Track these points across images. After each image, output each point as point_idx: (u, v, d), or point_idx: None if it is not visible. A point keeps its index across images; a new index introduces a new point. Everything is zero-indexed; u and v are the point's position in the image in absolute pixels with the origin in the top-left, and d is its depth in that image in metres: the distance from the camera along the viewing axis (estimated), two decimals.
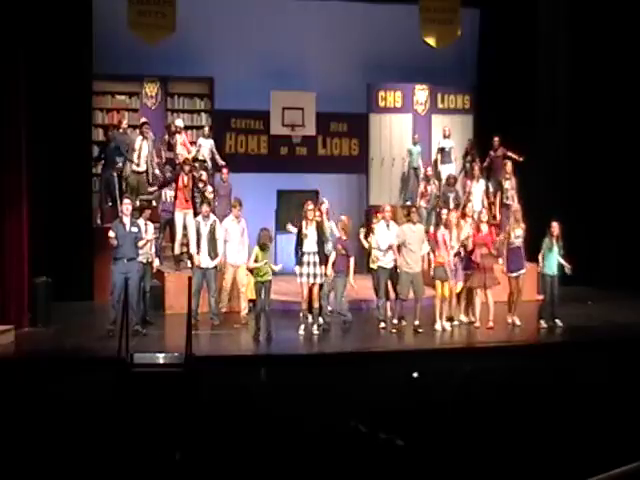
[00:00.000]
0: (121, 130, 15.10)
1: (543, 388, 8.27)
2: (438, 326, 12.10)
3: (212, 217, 12.48)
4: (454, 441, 6.62)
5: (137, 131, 15.16)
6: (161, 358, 9.67)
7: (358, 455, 6.29)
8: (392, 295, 12.24)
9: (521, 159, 15.04)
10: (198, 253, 12.29)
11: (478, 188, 14.94)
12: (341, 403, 7.63)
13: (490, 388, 8.26)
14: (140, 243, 11.61)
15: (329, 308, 12.42)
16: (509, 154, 15.06)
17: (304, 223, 11.89)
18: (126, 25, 14.18)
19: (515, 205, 12.88)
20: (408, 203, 15.99)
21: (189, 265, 13.97)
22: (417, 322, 11.97)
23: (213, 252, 12.28)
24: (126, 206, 11.65)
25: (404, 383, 8.76)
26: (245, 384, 8.48)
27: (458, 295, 12.43)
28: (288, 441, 6.56)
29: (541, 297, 13.79)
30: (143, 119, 15.33)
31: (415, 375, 8.88)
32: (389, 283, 12.23)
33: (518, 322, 12.42)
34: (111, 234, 11.38)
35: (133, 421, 7.45)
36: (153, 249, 12.33)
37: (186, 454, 6.52)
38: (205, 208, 12.48)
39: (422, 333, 11.86)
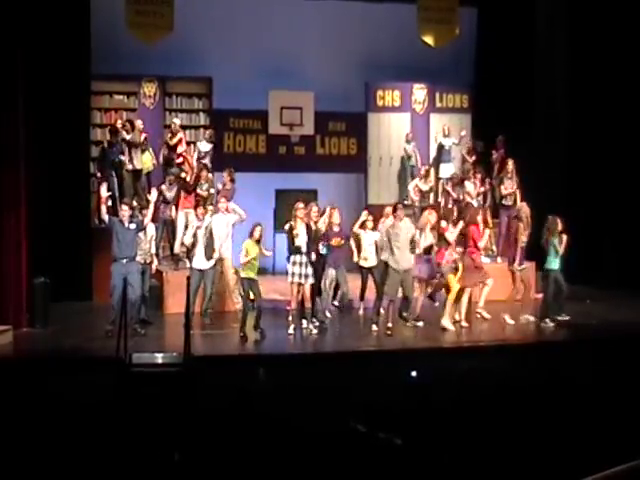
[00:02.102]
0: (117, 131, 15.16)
1: (541, 387, 8.28)
2: (448, 324, 12.01)
3: (208, 218, 12.44)
4: (453, 440, 6.62)
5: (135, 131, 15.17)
6: (160, 358, 9.67)
7: (357, 455, 6.29)
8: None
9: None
10: (192, 254, 12.28)
11: (471, 188, 14.97)
12: (340, 403, 7.63)
13: (488, 387, 8.27)
14: (146, 220, 11.68)
15: (335, 303, 12.52)
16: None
17: (294, 223, 11.85)
18: (124, 25, 14.18)
19: (526, 208, 12.81)
20: (406, 202, 16.00)
21: (188, 265, 14.00)
22: (420, 323, 11.92)
23: (209, 253, 12.27)
24: (122, 212, 11.62)
25: (402, 382, 8.76)
26: (243, 384, 8.49)
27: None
28: (287, 441, 6.56)
29: (540, 296, 13.80)
30: (138, 120, 15.38)
31: (413, 374, 8.88)
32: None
33: (532, 319, 12.44)
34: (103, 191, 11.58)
35: (132, 421, 7.45)
36: (153, 249, 12.33)
37: (185, 454, 6.52)
38: (200, 210, 12.48)
39: (422, 332, 11.85)
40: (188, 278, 11.21)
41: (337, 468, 6.11)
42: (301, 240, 11.65)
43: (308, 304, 11.83)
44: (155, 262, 12.40)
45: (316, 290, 12.02)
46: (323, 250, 12.03)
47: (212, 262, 12.32)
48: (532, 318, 12.47)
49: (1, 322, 11.46)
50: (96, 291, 14.00)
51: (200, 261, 12.26)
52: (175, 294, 12.85)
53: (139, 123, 15.29)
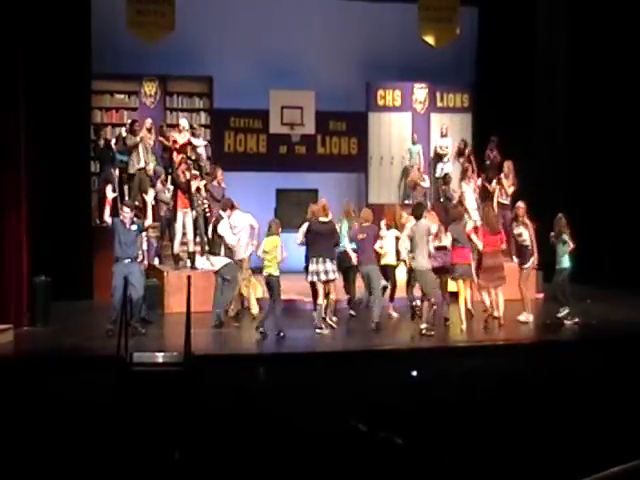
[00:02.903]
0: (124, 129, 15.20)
1: (542, 386, 8.27)
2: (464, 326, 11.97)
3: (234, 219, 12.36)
4: (453, 440, 6.62)
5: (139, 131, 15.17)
6: (160, 357, 9.67)
7: (357, 454, 6.29)
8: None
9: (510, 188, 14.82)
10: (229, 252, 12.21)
11: (469, 188, 14.98)
12: (340, 402, 7.63)
13: (489, 386, 8.27)
14: (147, 222, 11.72)
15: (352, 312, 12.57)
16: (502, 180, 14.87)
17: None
18: (125, 24, 14.19)
19: (521, 204, 12.73)
20: (407, 202, 16.02)
21: (189, 264, 14.01)
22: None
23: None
24: (123, 214, 11.61)
25: (404, 382, 8.76)
26: (244, 383, 8.49)
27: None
28: (287, 440, 6.56)
29: (540, 295, 13.81)
30: (133, 119, 15.40)
31: (414, 374, 8.88)
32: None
33: (531, 318, 12.43)
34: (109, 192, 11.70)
35: (132, 420, 7.45)
36: (145, 246, 12.28)
37: (185, 453, 6.52)
38: (227, 211, 12.33)
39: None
40: (189, 277, 11.17)
41: (337, 467, 6.11)
42: None
43: (325, 301, 11.80)
44: (156, 261, 12.35)
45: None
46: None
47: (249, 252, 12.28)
48: (531, 317, 12.47)
49: (2, 321, 11.46)
50: (97, 290, 14.01)
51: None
52: (176, 294, 12.86)
53: (149, 122, 15.26)
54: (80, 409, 7.48)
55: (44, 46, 13.41)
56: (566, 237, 12.14)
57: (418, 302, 12.27)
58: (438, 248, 11.90)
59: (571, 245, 12.18)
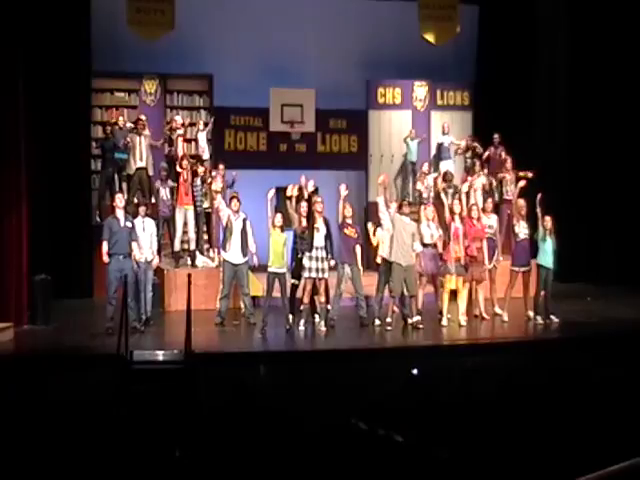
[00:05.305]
0: (118, 127, 15.14)
1: (542, 384, 8.28)
2: (445, 321, 12.07)
3: (242, 213, 12.27)
4: (453, 437, 6.63)
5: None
6: (161, 355, 9.69)
7: (358, 452, 6.30)
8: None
9: (529, 175, 14.62)
10: (227, 250, 12.09)
11: (478, 183, 14.97)
12: (341, 400, 7.64)
13: (489, 384, 8.28)
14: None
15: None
16: (520, 174, 14.72)
17: (313, 218, 11.81)
18: (125, 22, 14.19)
19: (521, 201, 12.75)
20: (409, 200, 15.98)
21: (189, 262, 14.01)
22: (418, 318, 11.94)
23: (245, 248, 12.14)
24: (118, 199, 11.60)
25: (404, 380, 8.76)
26: (244, 381, 8.50)
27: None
28: (287, 438, 6.57)
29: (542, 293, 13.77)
30: (142, 116, 15.32)
31: (415, 372, 8.89)
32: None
33: (531, 314, 12.38)
34: (105, 241, 11.37)
35: (133, 418, 7.46)
36: (155, 246, 12.19)
37: (186, 451, 6.53)
38: (235, 204, 12.23)
39: (422, 329, 11.85)
40: (189, 275, 11.16)
41: (338, 465, 6.11)
42: (321, 235, 11.66)
43: (322, 299, 11.83)
44: (155, 260, 12.24)
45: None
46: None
47: (247, 258, 12.15)
48: (531, 313, 12.49)
49: (2, 319, 11.46)
50: (97, 288, 13.99)
51: (234, 255, 12.08)
52: (176, 292, 12.87)
53: (142, 118, 15.23)
54: (80, 407, 7.49)
55: (44, 45, 13.40)
56: (548, 238, 12.13)
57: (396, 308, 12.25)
58: (426, 245, 12.04)
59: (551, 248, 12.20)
